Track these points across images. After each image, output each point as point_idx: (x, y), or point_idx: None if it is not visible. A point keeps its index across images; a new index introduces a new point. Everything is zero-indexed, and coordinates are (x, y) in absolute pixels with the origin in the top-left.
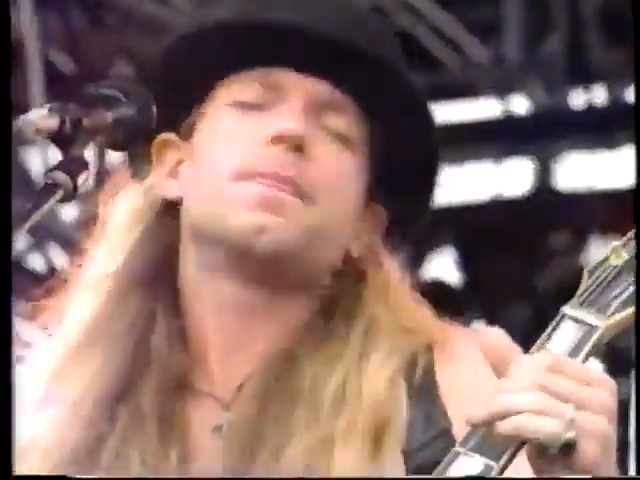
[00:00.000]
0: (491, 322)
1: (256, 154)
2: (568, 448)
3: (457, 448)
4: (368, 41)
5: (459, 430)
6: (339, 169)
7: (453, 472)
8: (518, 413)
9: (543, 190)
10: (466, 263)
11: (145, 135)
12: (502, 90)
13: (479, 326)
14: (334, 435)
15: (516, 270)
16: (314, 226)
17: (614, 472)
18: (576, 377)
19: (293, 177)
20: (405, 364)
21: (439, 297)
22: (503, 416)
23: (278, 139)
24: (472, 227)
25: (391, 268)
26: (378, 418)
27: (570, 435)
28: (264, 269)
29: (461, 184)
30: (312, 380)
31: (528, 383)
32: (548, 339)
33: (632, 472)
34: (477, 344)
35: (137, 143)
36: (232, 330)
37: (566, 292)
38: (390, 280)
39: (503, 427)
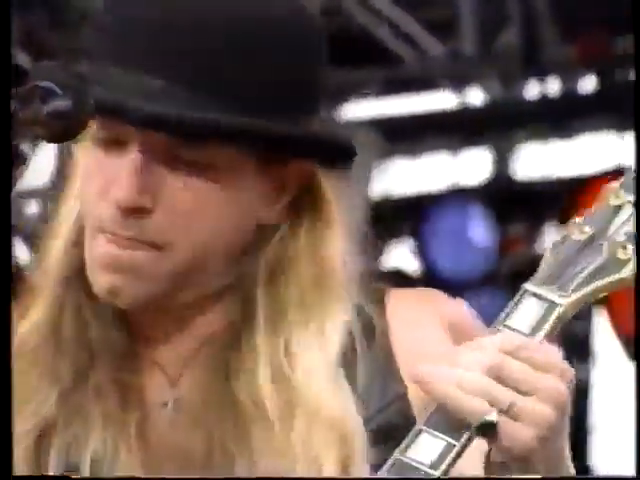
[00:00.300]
0: None
1: (105, 209)
2: (490, 430)
3: (420, 426)
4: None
5: (414, 393)
6: (196, 201)
7: (415, 450)
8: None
9: (500, 179)
10: (424, 253)
11: (83, 127)
12: (458, 83)
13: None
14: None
15: (474, 258)
16: (175, 269)
17: (559, 459)
18: (530, 361)
19: (134, 235)
20: (354, 323)
21: (398, 286)
22: (439, 382)
23: (115, 204)
24: (430, 217)
25: (330, 214)
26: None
27: (490, 418)
28: (144, 314)
29: (418, 175)
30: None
31: (477, 361)
32: (509, 315)
33: (593, 460)
34: (435, 308)
35: (74, 135)
36: (163, 326)
37: (524, 278)
38: (330, 227)
39: (434, 393)
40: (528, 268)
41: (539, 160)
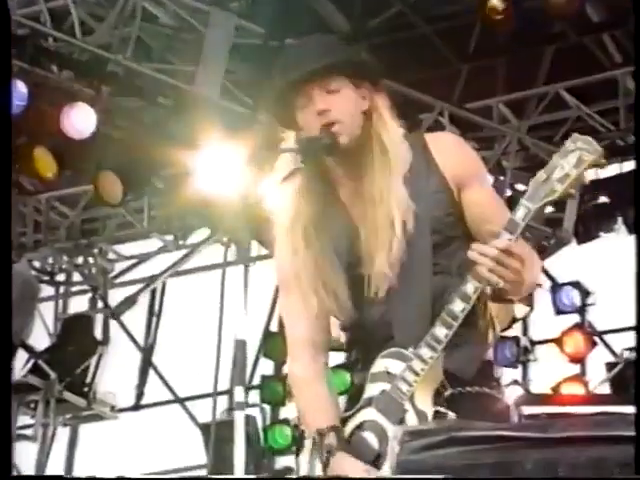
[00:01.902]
0: None
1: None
2: (498, 290)
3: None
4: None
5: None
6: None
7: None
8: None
9: None
10: None
11: None
12: None
13: None
14: None
15: None
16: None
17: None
18: (514, 255)
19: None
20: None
21: None
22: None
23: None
24: None
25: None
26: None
27: (496, 281)
28: None
29: None
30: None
31: (491, 253)
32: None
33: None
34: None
35: None
36: None
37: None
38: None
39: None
40: None
41: None
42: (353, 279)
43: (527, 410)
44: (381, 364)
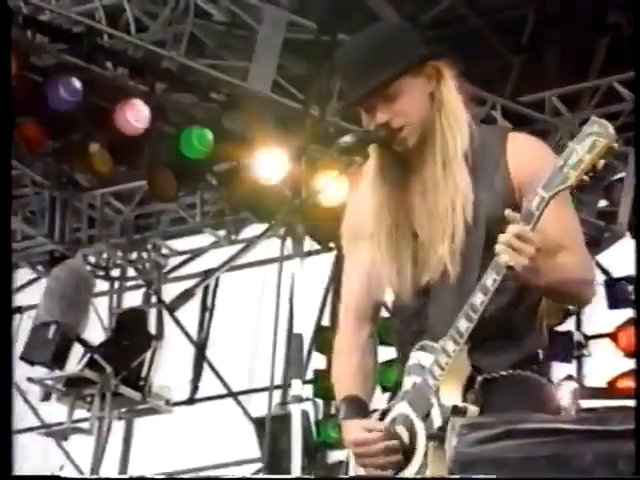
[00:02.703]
0: None
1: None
2: (510, 268)
3: None
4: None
5: (516, 191)
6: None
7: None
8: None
9: None
10: None
11: None
12: None
13: None
14: None
15: None
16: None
17: (539, 273)
18: (528, 240)
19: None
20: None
21: None
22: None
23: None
24: None
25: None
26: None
27: (507, 259)
28: None
29: None
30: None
31: (504, 238)
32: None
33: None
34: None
35: None
36: None
37: None
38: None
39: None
40: None
41: None
42: (414, 261)
43: (584, 403)
44: (415, 357)
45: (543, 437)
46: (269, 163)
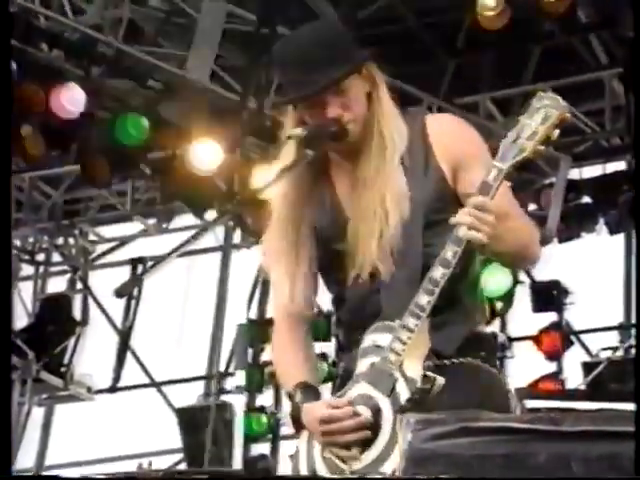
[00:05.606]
0: None
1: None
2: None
3: None
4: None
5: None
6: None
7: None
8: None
9: None
10: None
11: None
12: None
13: None
14: None
15: None
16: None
17: (502, 241)
18: (488, 210)
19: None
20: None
21: None
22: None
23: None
24: None
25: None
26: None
27: (470, 232)
28: None
29: None
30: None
31: (465, 211)
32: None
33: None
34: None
35: None
36: None
37: None
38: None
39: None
40: None
41: None
42: (332, 253)
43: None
44: (369, 339)
45: (497, 435)
46: (204, 153)
